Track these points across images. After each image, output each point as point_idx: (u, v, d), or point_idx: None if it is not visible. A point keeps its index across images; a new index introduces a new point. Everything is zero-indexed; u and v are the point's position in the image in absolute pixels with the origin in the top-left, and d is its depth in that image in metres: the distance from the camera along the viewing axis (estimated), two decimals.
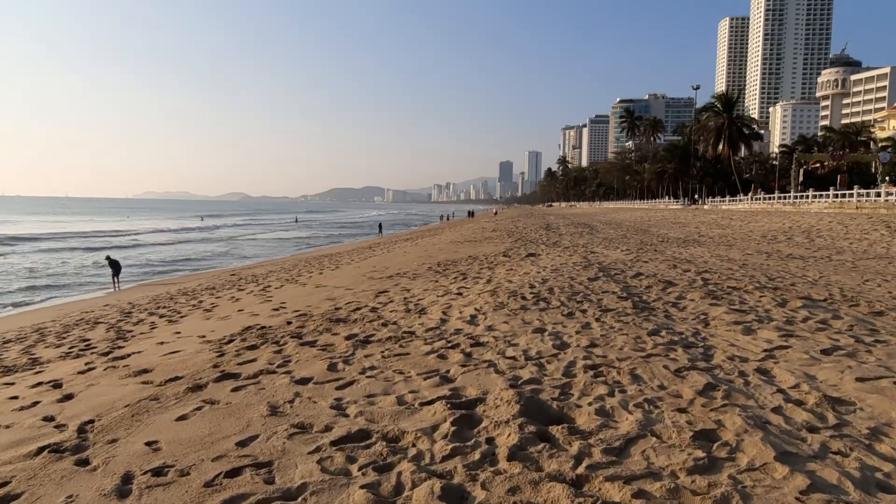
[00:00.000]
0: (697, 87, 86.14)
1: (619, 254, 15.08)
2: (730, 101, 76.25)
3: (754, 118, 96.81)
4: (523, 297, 8.17)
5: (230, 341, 7.19)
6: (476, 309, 7.59)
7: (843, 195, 42.96)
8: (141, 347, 7.78)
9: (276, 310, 9.86)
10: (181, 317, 11.21)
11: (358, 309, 8.63)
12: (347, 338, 6.54)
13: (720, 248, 16.63)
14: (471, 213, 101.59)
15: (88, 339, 9.57)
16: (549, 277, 10.14)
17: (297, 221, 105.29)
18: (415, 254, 21.22)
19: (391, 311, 8.04)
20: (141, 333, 9.47)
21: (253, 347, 6.60)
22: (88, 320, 13.22)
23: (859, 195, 39.96)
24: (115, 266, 22.81)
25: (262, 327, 7.99)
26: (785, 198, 51.47)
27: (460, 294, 9.14)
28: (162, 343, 7.87)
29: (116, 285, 22.44)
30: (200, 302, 13.68)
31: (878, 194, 38.07)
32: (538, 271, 11.18)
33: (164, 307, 13.67)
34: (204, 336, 7.92)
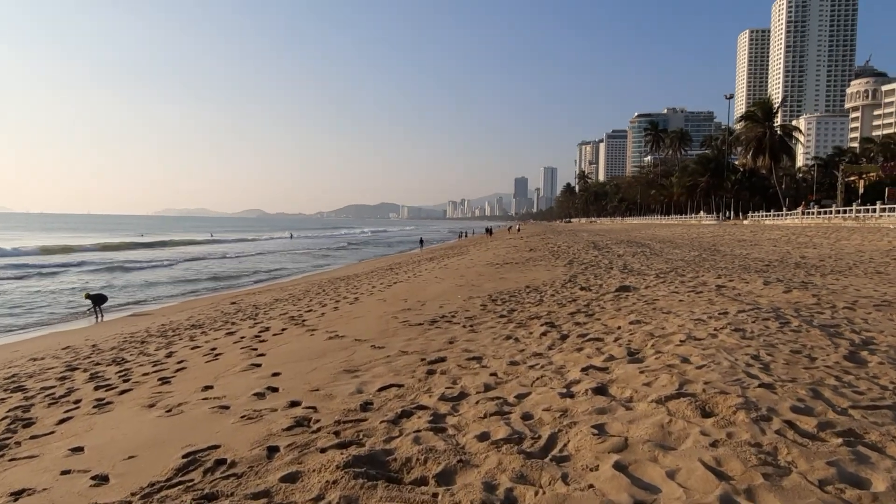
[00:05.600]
0: (731, 97, 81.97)
1: (772, 290, 10.32)
2: (770, 109, 71.87)
3: (797, 126, 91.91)
4: (794, 428, 3.58)
5: None
6: (707, 466, 3.11)
7: None
8: None
9: (261, 395, 5.92)
10: (123, 391, 7.32)
11: (404, 416, 4.58)
12: None
13: (886, 280, 12.12)
14: (489, 231, 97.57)
15: None
16: (760, 352, 5.39)
17: (291, 238, 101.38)
18: (450, 280, 17.25)
19: (475, 436, 3.86)
20: (31, 438, 5.60)
21: None
22: (15, 379, 9.46)
23: None
24: (98, 299, 20.07)
25: (218, 462, 4.04)
26: (846, 212, 46.89)
27: (605, 391, 4.65)
28: (20, 497, 3.96)
29: (99, 316, 19.44)
30: (169, 355, 9.82)
31: None
32: (711, 332, 6.50)
33: (121, 361, 9.86)
34: (104, 479, 4.01)
